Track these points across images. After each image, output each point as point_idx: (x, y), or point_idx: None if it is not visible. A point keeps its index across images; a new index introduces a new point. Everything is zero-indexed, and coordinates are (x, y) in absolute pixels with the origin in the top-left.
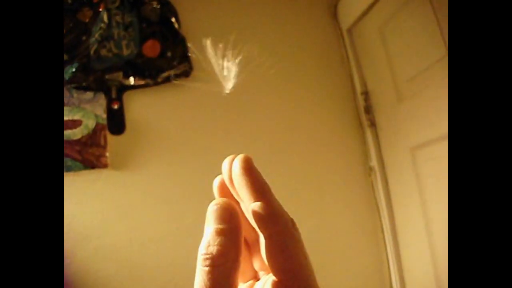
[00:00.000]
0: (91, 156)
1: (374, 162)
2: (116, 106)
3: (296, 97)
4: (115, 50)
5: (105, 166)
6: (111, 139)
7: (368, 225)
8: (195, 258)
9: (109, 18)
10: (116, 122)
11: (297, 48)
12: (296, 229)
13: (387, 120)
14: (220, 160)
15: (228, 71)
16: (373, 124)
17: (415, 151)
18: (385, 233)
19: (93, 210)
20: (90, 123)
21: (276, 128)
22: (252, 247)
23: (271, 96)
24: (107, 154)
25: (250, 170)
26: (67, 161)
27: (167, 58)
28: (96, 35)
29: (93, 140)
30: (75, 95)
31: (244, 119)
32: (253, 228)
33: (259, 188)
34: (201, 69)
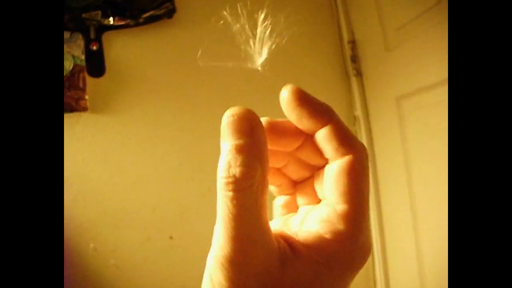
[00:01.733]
0: (70, 99)
1: (358, 112)
2: (95, 47)
3: (280, 43)
4: None
5: (84, 109)
6: (90, 81)
7: None
8: (177, 202)
9: None
10: (95, 64)
11: None
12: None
13: (374, 69)
14: (202, 105)
15: (260, 43)
16: (359, 74)
17: (401, 101)
18: None
19: (73, 154)
20: (67, 65)
21: (257, 75)
22: (300, 183)
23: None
24: (87, 97)
25: (305, 99)
26: None
27: None
28: None
29: (71, 83)
30: None
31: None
32: (304, 164)
33: (324, 110)
34: (185, 10)
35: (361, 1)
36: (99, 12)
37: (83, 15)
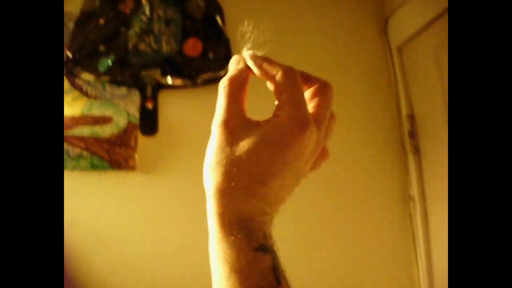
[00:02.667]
0: (119, 157)
1: (414, 191)
2: (150, 106)
3: (337, 115)
4: (154, 46)
5: (132, 168)
6: (141, 140)
7: (402, 257)
8: None
9: (151, 11)
10: (149, 123)
11: (342, 61)
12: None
13: (433, 146)
14: None
15: None
16: (417, 151)
17: None
18: (420, 270)
19: (116, 214)
20: (122, 122)
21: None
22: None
23: None
24: (136, 156)
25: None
26: (94, 159)
27: (208, 59)
28: (136, 28)
29: (122, 140)
30: (108, 89)
31: None
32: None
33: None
34: None
35: (422, 74)
36: (158, 71)
37: (142, 72)
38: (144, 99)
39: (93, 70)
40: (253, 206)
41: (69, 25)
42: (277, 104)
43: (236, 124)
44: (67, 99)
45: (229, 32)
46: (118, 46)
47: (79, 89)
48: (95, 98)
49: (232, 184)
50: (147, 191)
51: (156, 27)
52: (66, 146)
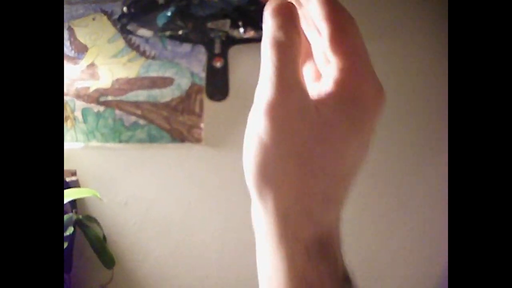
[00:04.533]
0: (182, 126)
1: None
2: (218, 64)
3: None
4: None
5: (198, 140)
6: (208, 105)
7: None
8: None
9: None
10: (217, 84)
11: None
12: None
13: None
14: None
15: None
16: None
17: None
18: None
19: (178, 194)
20: (184, 83)
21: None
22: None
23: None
24: (202, 125)
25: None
26: (151, 129)
27: None
28: None
29: (185, 105)
30: (168, 47)
31: None
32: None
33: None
34: None
35: None
36: (228, 22)
37: (208, 24)
38: (211, 56)
39: (151, 25)
40: (332, 215)
41: None
42: (337, 61)
43: (299, 109)
44: (122, 61)
45: None
46: None
47: (136, 48)
48: (154, 58)
49: (309, 188)
50: (214, 168)
51: None
52: (120, 114)
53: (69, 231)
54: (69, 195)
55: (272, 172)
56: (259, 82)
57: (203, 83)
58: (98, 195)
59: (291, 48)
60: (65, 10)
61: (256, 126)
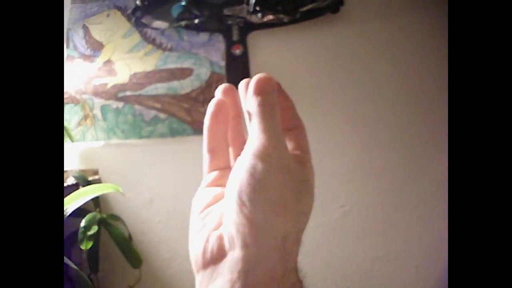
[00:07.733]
0: (203, 117)
1: None
2: (238, 51)
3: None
4: None
5: None
6: None
7: None
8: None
9: None
10: (238, 72)
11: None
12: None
13: None
14: (369, 122)
15: None
16: None
17: None
18: None
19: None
20: (204, 73)
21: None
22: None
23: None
24: None
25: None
26: (172, 123)
27: None
28: None
29: (206, 96)
30: (185, 37)
31: (389, 75)
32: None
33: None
34: (354, 2)
35: None
36: (245, 7)
37: (225, 11)
38: (230, 44)
39: (166, 16)
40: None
41: None
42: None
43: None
44: (138, 55)
45: None
46: None
47: (152, 41)
48: (171, 50)
49: (297, 230)
50: None
51: None
52: (139, 109)
53: (93, 229)
54: (91, 191)
55: (281, 210)
56: (253, 129)
57: (223, 71)
58: (120, 190)
59: (273, 108)
60: (79, 9)
61: (254, 168)
